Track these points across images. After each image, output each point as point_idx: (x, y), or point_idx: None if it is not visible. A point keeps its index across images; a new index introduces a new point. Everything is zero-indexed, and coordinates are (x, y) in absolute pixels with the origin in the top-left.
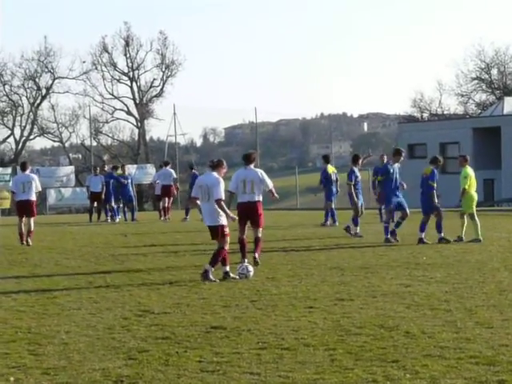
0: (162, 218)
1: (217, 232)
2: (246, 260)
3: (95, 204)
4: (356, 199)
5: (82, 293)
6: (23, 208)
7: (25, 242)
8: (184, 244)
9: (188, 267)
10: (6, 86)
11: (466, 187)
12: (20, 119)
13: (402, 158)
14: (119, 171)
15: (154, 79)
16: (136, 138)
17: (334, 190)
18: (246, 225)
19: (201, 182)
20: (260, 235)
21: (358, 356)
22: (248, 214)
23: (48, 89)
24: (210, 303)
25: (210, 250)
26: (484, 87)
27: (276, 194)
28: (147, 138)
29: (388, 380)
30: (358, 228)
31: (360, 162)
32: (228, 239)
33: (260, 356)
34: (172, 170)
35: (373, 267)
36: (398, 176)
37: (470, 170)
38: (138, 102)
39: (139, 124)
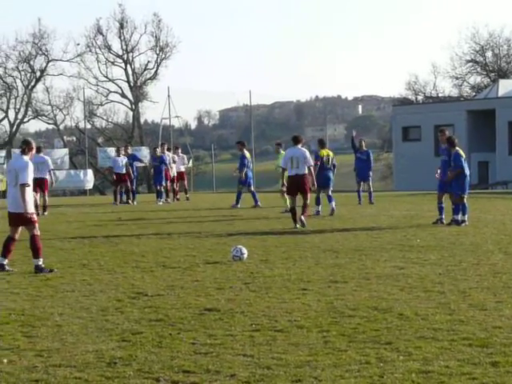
0: (170, 200)
1: (21, 219)
2: (297, 225)
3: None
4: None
5: (76, 275)
6: (38, 185)
7: (40, 213)
8: (177, 225)
9: (182, 249)
10: (0, 69)
11: None
12: (14, 102)
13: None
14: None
15: (149, 62)
16: (130, 121)
17: (250, 174)
18: (296, 195)
19: (10, 166)
20: (308, 202)
21: (351, 338)
22: (296, 184)
23: (42, 71)
24: (204, 285)
25: (204, 232)
26: (478, 70)
27: (313, 173)
28: (141, 120)
29: (381, 362)
30: None
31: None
32: (37, 225)
33: (253, 338)
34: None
35: (367, 249)
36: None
37: None
38: (132, 84)
39: (133, 107)
